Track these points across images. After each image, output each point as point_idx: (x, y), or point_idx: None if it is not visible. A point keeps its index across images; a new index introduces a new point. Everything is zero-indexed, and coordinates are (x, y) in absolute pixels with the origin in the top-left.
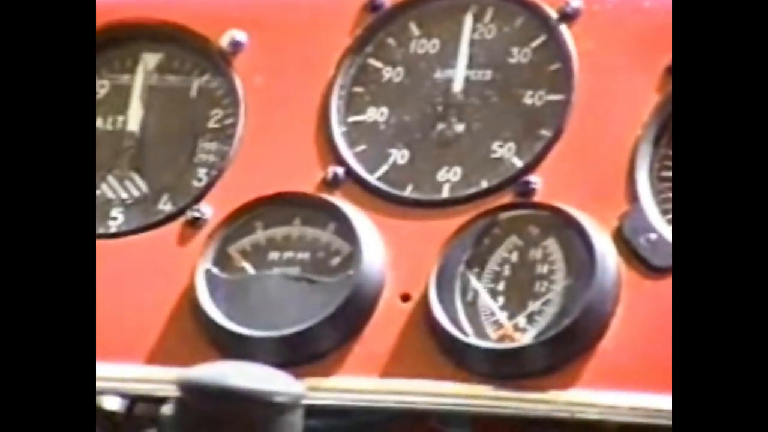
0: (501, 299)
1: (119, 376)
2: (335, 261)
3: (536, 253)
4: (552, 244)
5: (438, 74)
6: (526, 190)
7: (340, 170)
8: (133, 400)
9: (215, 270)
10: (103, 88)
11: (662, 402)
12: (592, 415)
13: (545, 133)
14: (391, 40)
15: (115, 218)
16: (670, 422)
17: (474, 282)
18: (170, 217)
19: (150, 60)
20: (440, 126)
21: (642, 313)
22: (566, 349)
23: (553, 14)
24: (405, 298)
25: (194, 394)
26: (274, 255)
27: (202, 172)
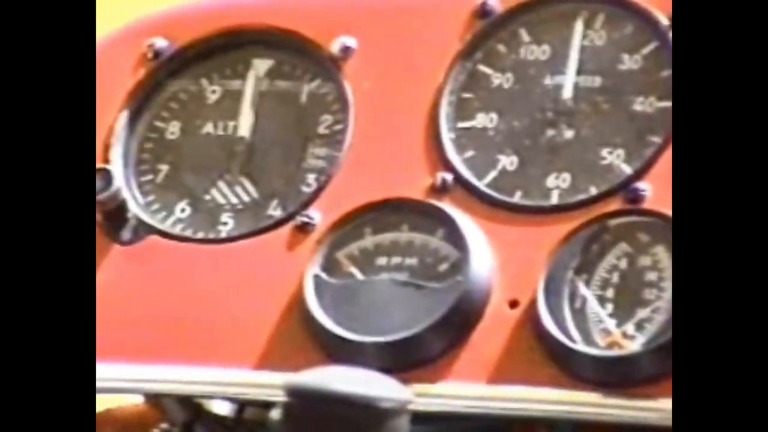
0: (609, 306)
1: (228, 381)
2: (443, 267)
3: (645, 261)
4: (661, 252)
5: (548, 80)
6: (636, 197)
7: (448, 176)
8: (243, 404)
9: (323, 275)
10: (214, 93)
11: None
12: None
13: (655, 139)
14: (500, 47)
15: (225, 223)
16: None
17: (582, 289)
18: (279, 223)
19: (261, 66)
20: (550, 132)
21: None
22: None
23: (664, 21)
24: (513, 304)
25: (301, 398)
26: (382, 260)
27: (311, 177)
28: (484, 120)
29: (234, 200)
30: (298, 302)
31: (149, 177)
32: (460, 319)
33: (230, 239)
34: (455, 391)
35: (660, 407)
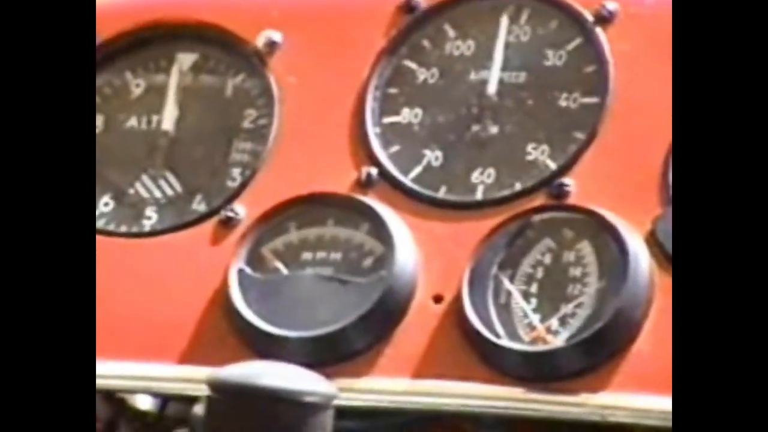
0: (534, 301)
1: (151, 375)
2: (368, 262)
3: (569, 256)
4: (585, 247)
5: (472, 76)
6: (560, 193)
7: (373, 171)
8: (166, 399)
9: (248, 270)
10: (138, 87)
11: None
12: (624, 418)
13: (579, 135)
14: (426, 42)
15: (149, 217)
16: None
17: (507, 284)
18: (204, 217)
19: (185, 60)
20: (474, 128)
21: None
22: (598, 351)
23: (589, 17)
24: (437, 299)
25: (225, 393)
26: (307, 255)
27: (236, 172)
28: (409, 115)
29: (158, 194)
30: (222, 297)
31: None
32: (385, 315)
33: (154, 233)
34: (380, 386)
35: (583, 402)
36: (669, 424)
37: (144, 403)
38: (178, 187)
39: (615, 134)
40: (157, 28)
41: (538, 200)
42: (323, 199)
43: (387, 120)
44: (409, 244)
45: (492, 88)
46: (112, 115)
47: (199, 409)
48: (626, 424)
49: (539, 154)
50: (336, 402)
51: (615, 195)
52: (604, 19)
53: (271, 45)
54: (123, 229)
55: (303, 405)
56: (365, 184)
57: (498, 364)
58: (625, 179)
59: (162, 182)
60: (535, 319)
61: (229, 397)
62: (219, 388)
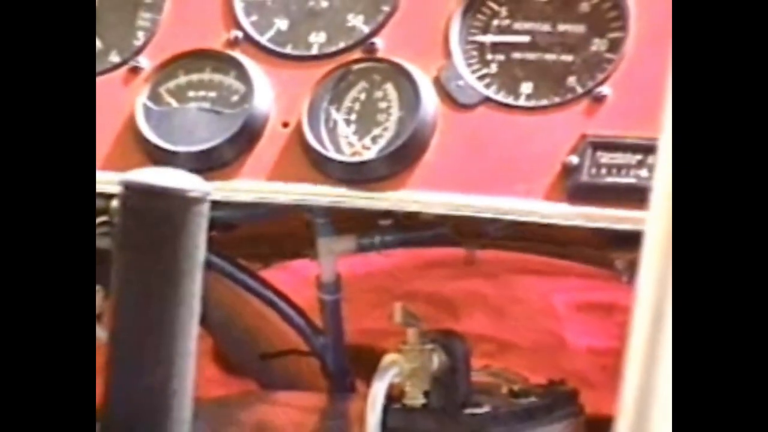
0: (353, 126)
1: None
2: (235, 98)
3: (378, 94)
4: (390, 88)
5: None
6: (372, 49)
7: (239, 33)
8: None
9: (150, 104)
10: None
11: (466, 200)
12: (414, 207)
13: (386, 8)
14: None
15: None
16: (471, 214)
17: (334, 114)
18: (117, 66)
19: None
20: (311, 3)
21: (452, 136)
22: (399, 162)
23: None
24: (285, 125)
25: (132, 191)
26: (191, 93)
27: (141, 34)
28: None
29: None
30: (131, 123)
31: None
32: (247, 136)
33: None
34: (243, 186)
35: (387, 197)
36: (447, 212)
37: None
38: (100, 45)
39: (412, 6)
40: None
41: (356, 54)
42: (203, 54)
43: None
44: (265, 86)
45: None
46: None
47: (114, 203)
48: (416, 212)
49: (357, 21)
50: (210, 197)
51: (411, 51)
52: None
53: None
54: None
55: (186, 198)
56: (233, 43)
57: (327, 171)
58: (419, 40)
59: None
60: (353, 138)
61: (135, 194)
62: (128, 186)
